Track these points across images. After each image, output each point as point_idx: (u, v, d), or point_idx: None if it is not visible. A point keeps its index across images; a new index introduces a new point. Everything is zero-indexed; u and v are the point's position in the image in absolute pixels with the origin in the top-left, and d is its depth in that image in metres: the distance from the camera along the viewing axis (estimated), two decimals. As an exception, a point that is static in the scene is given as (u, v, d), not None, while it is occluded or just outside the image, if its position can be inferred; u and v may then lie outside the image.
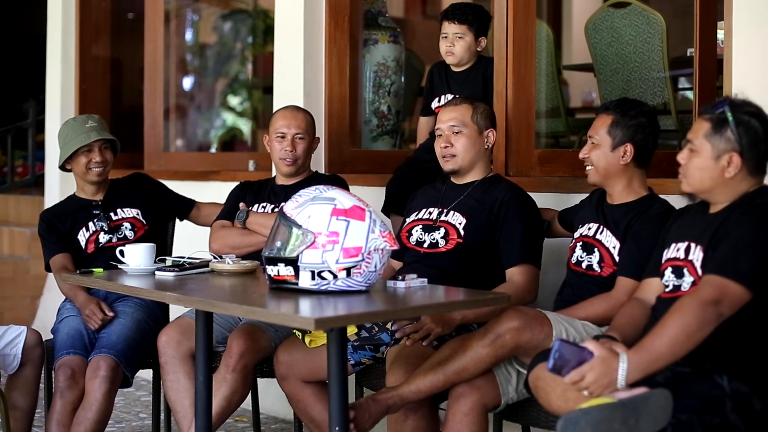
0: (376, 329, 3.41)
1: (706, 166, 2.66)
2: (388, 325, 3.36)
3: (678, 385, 2.50)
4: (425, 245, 3.49)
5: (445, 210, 3.51)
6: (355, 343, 3.41)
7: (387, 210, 4.07)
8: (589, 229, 3.26)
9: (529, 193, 3.54)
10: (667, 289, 2.75)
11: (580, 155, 3.27)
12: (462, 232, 3.45)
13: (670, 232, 2.83)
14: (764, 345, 2.60)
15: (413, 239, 3.53)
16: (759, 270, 2.52)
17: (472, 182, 3.53)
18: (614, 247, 3.17)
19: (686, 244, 2.72)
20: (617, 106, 3.23)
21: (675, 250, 2.76)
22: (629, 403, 2.41)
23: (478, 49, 4.11)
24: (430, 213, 3.56)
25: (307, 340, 3.51)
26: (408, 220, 3.62)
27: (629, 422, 2.39)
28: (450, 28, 4.07)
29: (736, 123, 2.62)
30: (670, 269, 2.75)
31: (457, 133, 3.48)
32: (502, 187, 3.49)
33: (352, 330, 3.41)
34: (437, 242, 3.47)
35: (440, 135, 3.53)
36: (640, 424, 2.40)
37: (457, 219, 3.48)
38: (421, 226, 3.54)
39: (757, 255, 2.53)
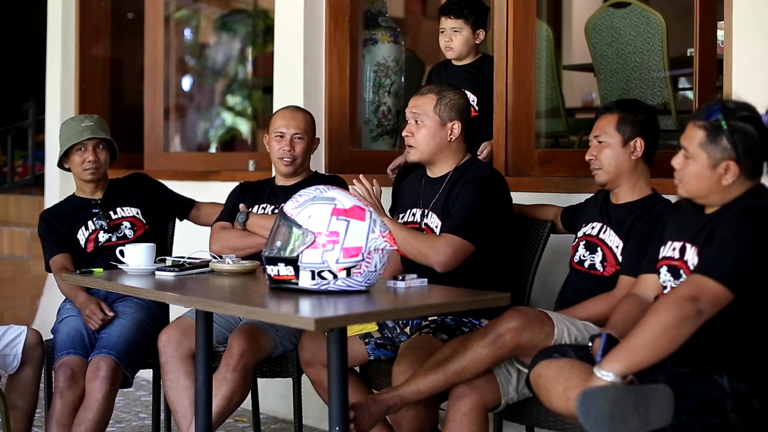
0: (398, 330, 3.41)
1: (703, 175, 2.62)
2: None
3: (678, 386, 2.50)
4: None
5: (426, 211, 3.46)
6: (379, 341, 3.42)
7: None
8: (593, 228, 3.26)
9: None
10: (666, 290, 2.75)
11: (587, 157, 3.25)
12: None
13: (667, 228, 2.82)
14: (764, 345, 2.60)
15: None
16: (744, 270, 2.50)
17: (445, 175, 3.47)
18: (617, 247, 3.17)
19: (681, 244, 2.71)
20: (619, 105, 3.25)
21: (671, 249, 2.75)
22: (640, 391, 2.45)
23: (477, 42, 4.11)
24: (414, 215, 3.51)
25: None
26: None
27: (640, 409, 2.44)
28: (447, 23, 4.09)
29: (731, 131, 2.56)
30: (665, 268, 2.75)
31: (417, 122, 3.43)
32: (468, 175, 3.42)
33: (373, 326, 3.41)
34: None
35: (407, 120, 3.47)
36: (649, 413, 2.45)
37: (434, 222, 3.42)
38: None
39: (742, 255, 2.51)
